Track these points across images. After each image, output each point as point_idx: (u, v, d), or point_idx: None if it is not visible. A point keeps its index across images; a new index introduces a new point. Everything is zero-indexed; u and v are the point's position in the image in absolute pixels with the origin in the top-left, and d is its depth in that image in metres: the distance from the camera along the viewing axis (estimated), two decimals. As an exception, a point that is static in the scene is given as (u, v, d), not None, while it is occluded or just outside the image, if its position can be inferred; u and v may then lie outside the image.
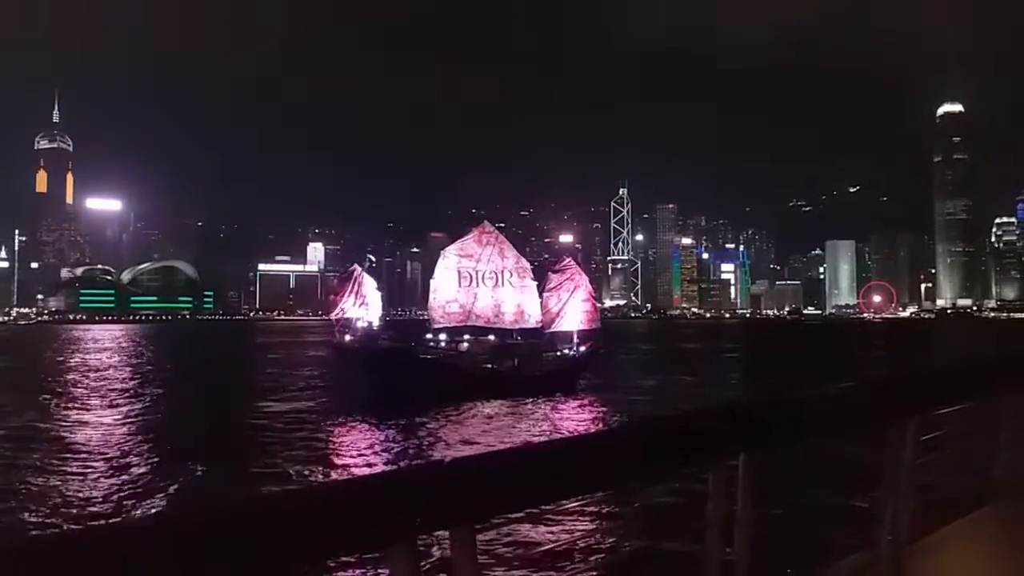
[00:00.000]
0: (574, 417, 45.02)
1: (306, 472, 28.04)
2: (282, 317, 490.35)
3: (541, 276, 60.96)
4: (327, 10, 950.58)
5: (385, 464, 30.14)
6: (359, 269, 56.21)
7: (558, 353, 57.78)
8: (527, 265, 59.18)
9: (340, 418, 41.89)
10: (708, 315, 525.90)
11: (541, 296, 58.79)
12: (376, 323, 55.96)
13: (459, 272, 56.10)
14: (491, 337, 57.05)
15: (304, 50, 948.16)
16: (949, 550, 4.85)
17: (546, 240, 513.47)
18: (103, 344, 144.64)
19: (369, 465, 30.15)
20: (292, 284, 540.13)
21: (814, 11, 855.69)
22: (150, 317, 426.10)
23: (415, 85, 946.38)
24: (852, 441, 4.53)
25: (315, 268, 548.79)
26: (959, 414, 5.19)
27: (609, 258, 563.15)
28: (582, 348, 58.78)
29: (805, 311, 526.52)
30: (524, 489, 2.66)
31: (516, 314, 57.03)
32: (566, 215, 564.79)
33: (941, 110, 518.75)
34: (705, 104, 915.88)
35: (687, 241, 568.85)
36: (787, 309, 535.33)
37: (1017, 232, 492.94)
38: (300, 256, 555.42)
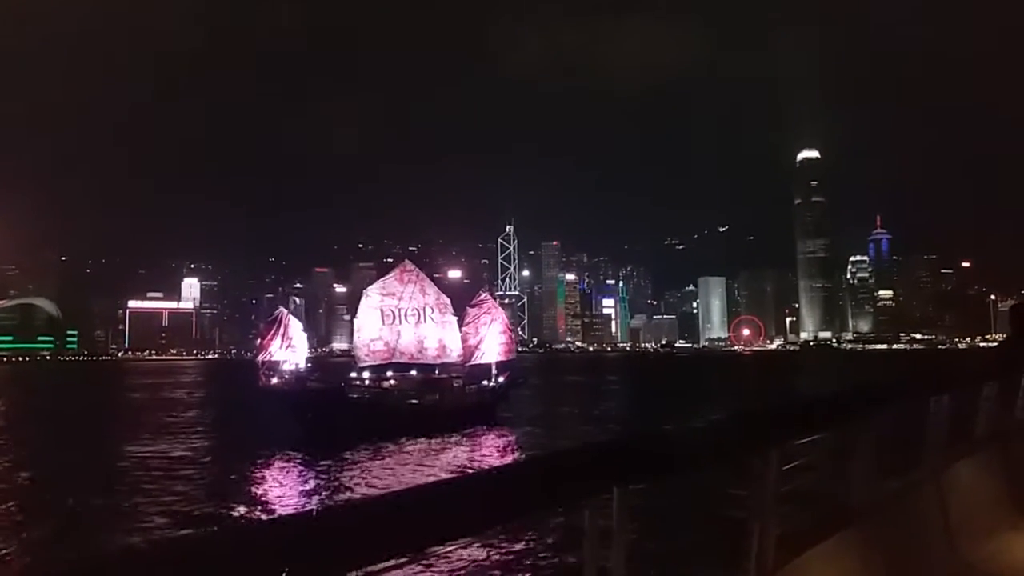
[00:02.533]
0: (493, 450, 46.91)
1: (184, 526, 26.13)
2: (154, 357, 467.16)
3: None
4: (204, 37, 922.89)
5: (287, 509, 29.44)
6: (284, 311, 56.72)
7: (479, 386, 59.90)
8: (447, 301, 61.15)
9: (257, 463, 40.49)
10: (591, 348, 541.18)
11: (460, 330, 60.84)
12: (303, 364, 56.11)
13: (382, 310, 57.42)
14: (413, 373, 58.47)
15: (177, 77, 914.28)
16: (812, 575, 5.06)
17: (435, 276, 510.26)
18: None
19: (274, 510, 29.44)
20: (165, 322, 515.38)
21: (690, 58, 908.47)
22: (4, 359, 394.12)
23: (301, 116, 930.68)
24: (720, 472, 4.68)
25: (190, 305, 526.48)
26: (817, 443, 5.51)
27: (496, 293, 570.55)
28: (500, 379, 61.18)
29: (677, 344, 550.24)
30: (396, 536, 2.63)
31: (438, 349, 58.79)
32: (454, 251, 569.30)
33: (800, 156, 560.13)
34: (587, 143, 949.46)
35: (571, 277, 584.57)
36: (660, 343, 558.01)
37: (869, 269, 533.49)
38: (174, 292, 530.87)
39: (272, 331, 53.94)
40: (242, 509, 29.46)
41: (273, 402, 52.59)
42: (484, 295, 64.99)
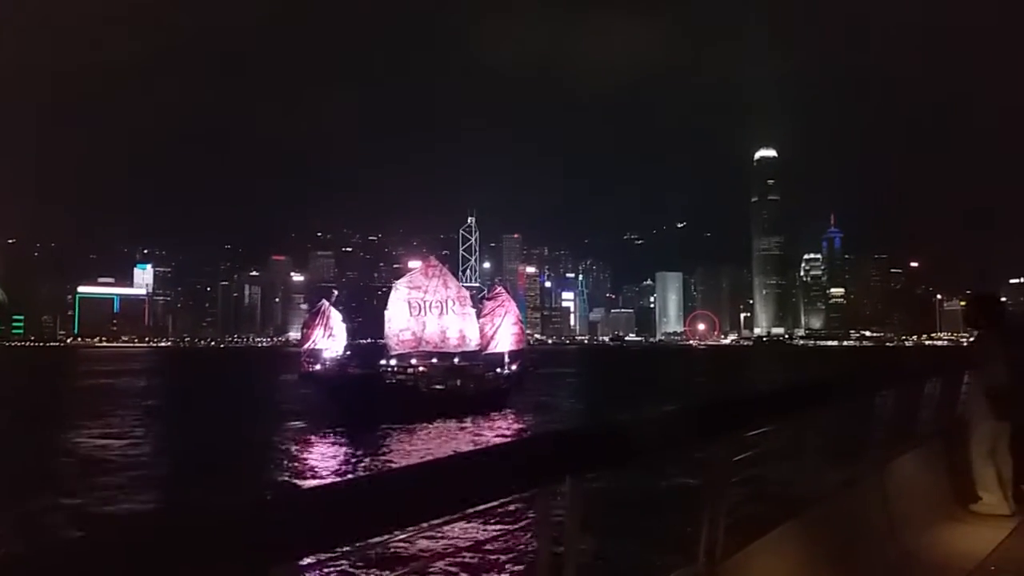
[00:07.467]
0: (508, 431, 50.94)
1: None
2: (104, 344, 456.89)
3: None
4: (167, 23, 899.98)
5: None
6: (326, 303, 61.04)
7: (495, 373, 64.19)
8: (467, 294, 65.63)
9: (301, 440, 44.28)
10: (550, 341, 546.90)
11: (478, 321, 64.67)
12: (342, 352, 59.83)
13: (409, 303, 61.54)
14: (434, 360, 62.00)
15: (140, 62, 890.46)
16: (759, 564, 5.15)
17: (395, 266, 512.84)
18: None
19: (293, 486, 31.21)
20: (117, 308, 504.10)
21: (653, 60, 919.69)
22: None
23: (261, 105, 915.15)
24: (672, 463, 4.98)
25: (143, 291, 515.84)
26: (767, 436, 5.67)
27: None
28: (513, 367, 65.10)
29: (628, 338, 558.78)
30: (348, 524, 2.61)
31: (459, 339, 62.76)
32: (415, 241, 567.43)
33: (757, 154, 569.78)
34: (548, 138, 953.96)
35: (531, 270, 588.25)
36: (610, 336, 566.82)
37: (822, 267, 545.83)
38: (126, 278, 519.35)
39: (315, 321, 58.05)
40: (266, 483, 32.07)
41: (313, 386, 57.00)
42: (499, 288, 69.15)
